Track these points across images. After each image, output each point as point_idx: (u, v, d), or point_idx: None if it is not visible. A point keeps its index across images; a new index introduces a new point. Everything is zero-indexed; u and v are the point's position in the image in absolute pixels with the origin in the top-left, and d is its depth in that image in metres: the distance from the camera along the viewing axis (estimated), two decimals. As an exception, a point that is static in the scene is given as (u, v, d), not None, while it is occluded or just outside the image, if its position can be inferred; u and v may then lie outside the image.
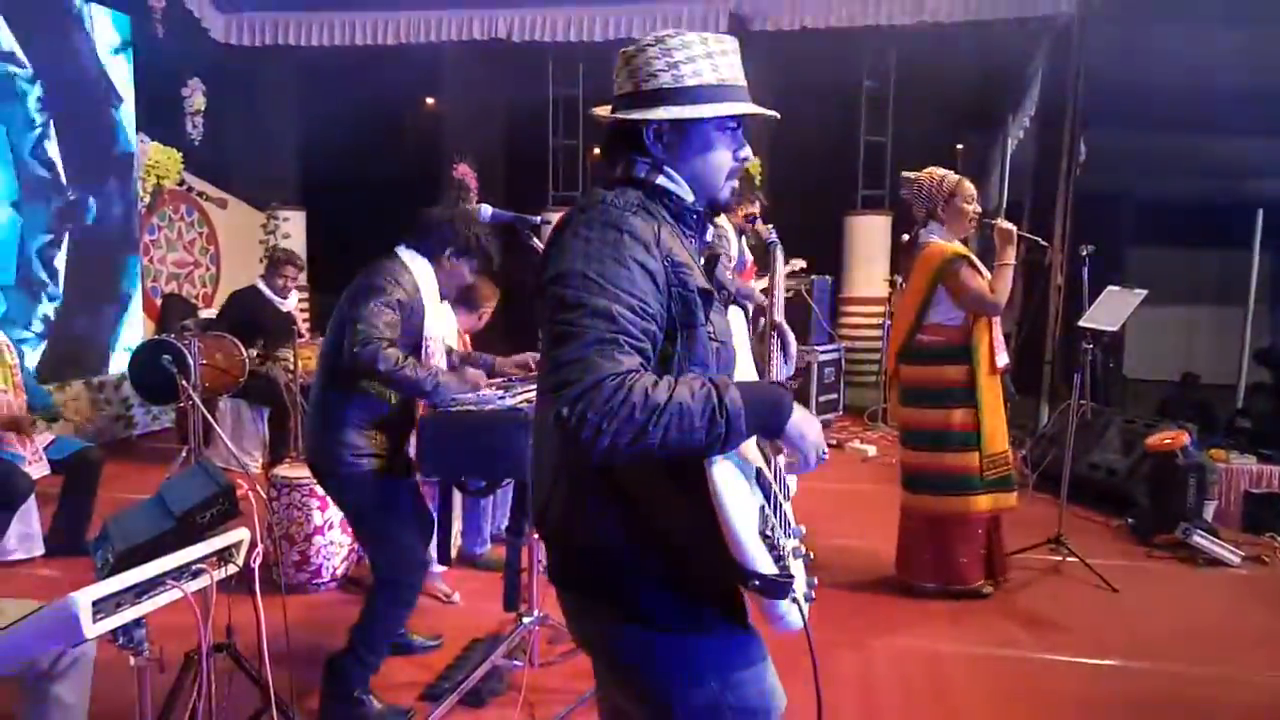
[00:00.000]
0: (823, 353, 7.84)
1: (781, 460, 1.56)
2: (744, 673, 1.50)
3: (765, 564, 1.36)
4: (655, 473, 1.41)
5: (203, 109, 7.96)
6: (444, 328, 2.99)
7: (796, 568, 1.42)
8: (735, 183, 1.59)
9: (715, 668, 1.47)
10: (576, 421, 1.27)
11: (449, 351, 3.23)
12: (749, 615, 1.50)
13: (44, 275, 6.34)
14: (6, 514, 3.92)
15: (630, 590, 1.46)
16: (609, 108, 1.56)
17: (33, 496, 4.07)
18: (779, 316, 1.58)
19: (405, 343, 2.75)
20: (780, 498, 1.47)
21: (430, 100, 9.25)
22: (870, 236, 8.75)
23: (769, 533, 1.39)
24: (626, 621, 1.47)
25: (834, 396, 8.09)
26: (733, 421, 1.31)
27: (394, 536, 2.82)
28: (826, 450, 1.50)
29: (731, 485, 1.37)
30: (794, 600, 1.37)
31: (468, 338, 4.24)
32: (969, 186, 3.88)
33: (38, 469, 4.12)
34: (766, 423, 1.40)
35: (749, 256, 6.15)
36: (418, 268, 2.85)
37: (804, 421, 1.44)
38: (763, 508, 1.41)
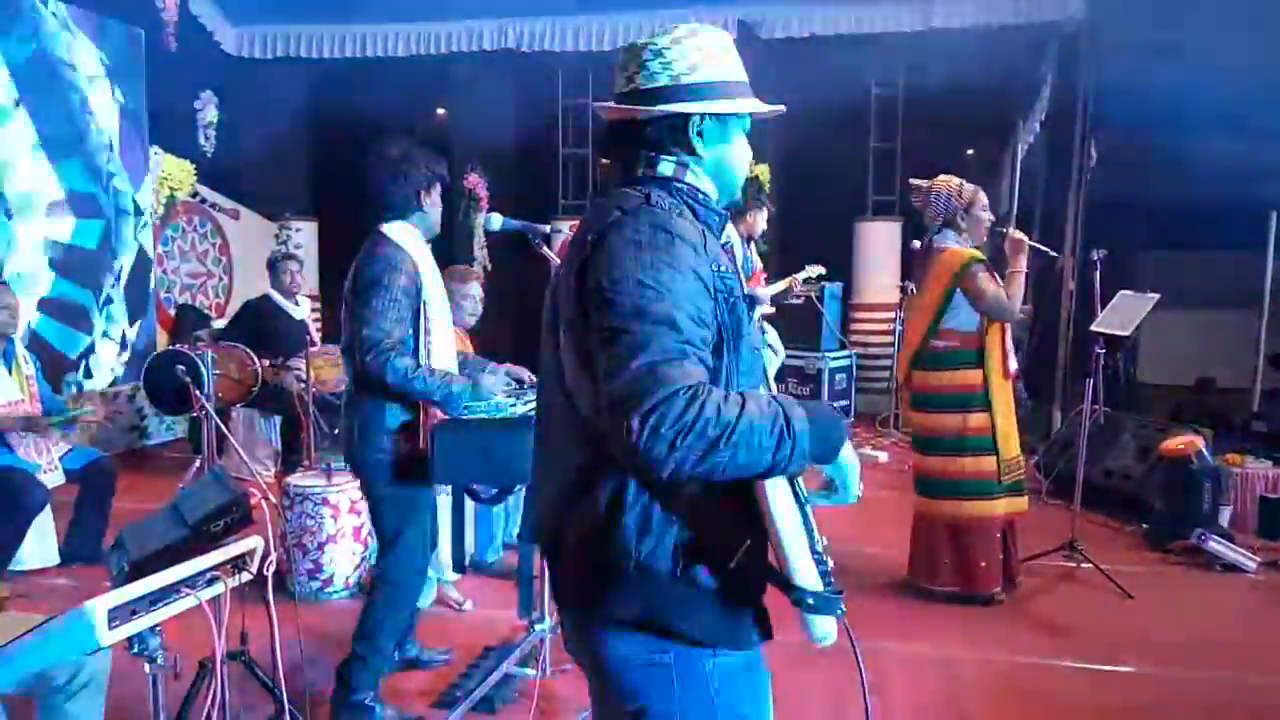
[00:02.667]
0: (834, 359, 7.83)
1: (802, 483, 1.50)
2: (751, 690, 1.47)
3: (816, 581, 1.35)
4: (702, 489, 1.35)
5: (215, 121, 8.02)
6: (450, 339, 2.97)
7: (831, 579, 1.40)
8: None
9: (727, 686, 1.43)
10: (649, 436, 1.19)
11: (459, 355, 3.23)
12: (771, 628, 1.48)
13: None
14: (22, 524, 3.95)
15: (667, 609, 1.38)
16: (612, 105, 1.50)
17: (48, 506, 4.10)
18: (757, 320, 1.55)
19: (408, 321, 2.73)
20: (810, 509, 1.44)
21: (440, 110, 9.29)
22: (880, 242, 8.74)
23: (818, 549, 1.38)
24: (645, 639, 1.40)
25: (845, 403, 8.08)
26: (799, 444, 1.27)
27: (405, 537, 2.83)
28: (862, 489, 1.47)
29: (782, 501, 1.35)
30: (838, 616, 1.37)
31: (470, 344, 4.22)
32: (984, 195, 3.93)
33: (53, 478, 4.15)
34: (826, 447, 1.35)
35: (758, 263, 6.16)
36: (404, 236, 2.79)
37: (851, 451, 1.42)
38: (806, 522, 1.39)
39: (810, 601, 1.33)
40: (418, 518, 2.87)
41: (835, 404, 7.85)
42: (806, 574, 1.35)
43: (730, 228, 5.71)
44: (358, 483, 2.91)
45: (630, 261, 1.31)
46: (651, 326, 1.26)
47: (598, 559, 1.39)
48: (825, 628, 1.37)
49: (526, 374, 3.46)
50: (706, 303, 1.33)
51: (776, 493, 1.35)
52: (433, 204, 2.90)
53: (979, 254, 3.86)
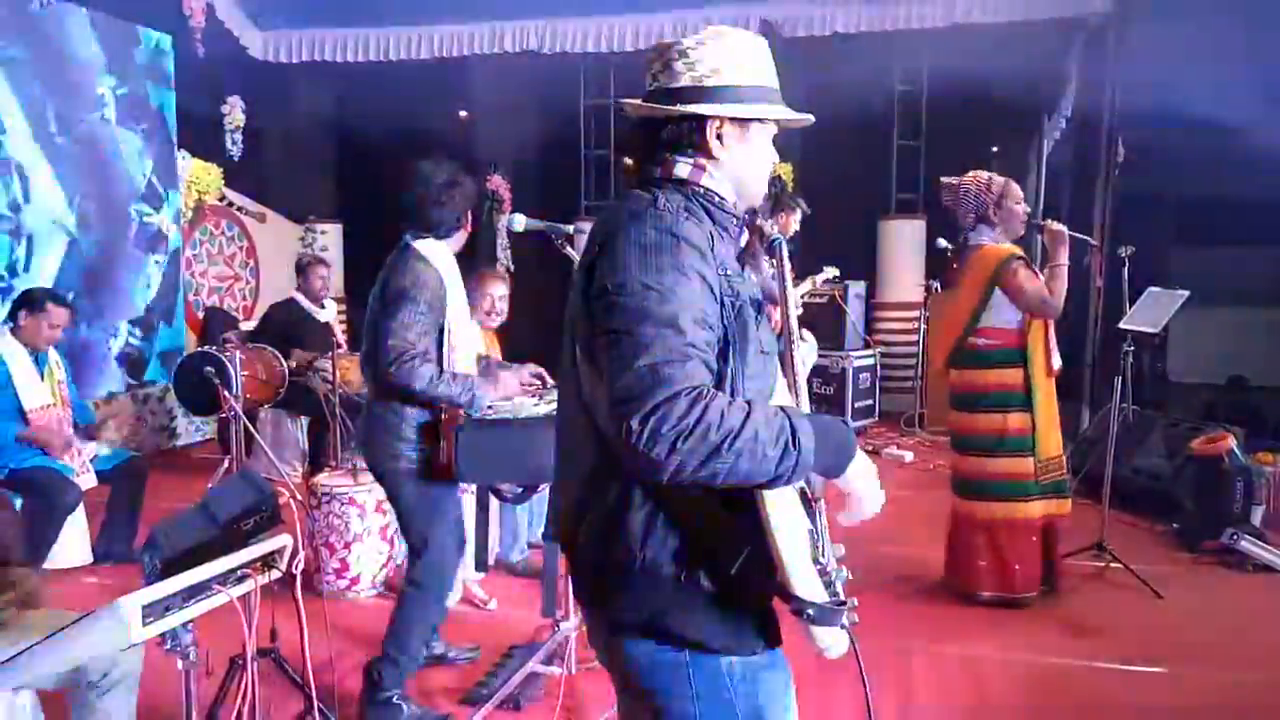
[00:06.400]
0: (858, 358, 7.80)
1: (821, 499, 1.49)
2: (771, 690, 1.46)
3: (818, 592, 1.34)
4: (705, 495, 1.34)
5: (242, 125, 8.11)
6: (472, 332, 3.00)
7: (838, 590, 1.40)
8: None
9: (744, 686, 1.42)
10: (648, 437, 1.19)
11: (481, 359, 3.25)
12: (780, 632, 1.47)
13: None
14: (56, 523, 4.02)
15: (670, 612, 1.39)
16: (639, 101, 1.49)
17: (81, 506, 4.17)
18: (794, 320, 1.53)
19: (432, 333, 2.76)
20: (821, 515, 1.44)
21: (463, 113, 9.35)
22: (904, 241, 8.69)
23: (821, 559, 1.37)
24: (659, 641, 1.41)
25: (870, 402, 8.04)
26: (803, 456, 1.26)
27: (436, 539, 2.86)
28: (884, 497, 1.45)
29: (783, 510, 1.33)
30: (843, 626, 1.36)
31: (497, 344, 4.25)
32: (1017, 188, 3.84)
33: (85, 480, 4.22)
34: (833, 461, 1.35)
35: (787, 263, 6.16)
36: (435, 255, 2.82)
37: (865, 464, 1.40)
38: (811, 531, 1.38)
39: (810, 613, 1.33)
40: (445, 520, 2.89)
41: (859, 403, 7.82)
42: (807, 584, 1.34)
43: (774, 227, 5.73)
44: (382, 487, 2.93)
45: (635, 264, 1.31)
46: (655, 328, 1.26)
47: (606, 560, 1.41)
48: (828, 638, 1.36)
49: (546, 374, 3.47)
50: (712, 306, 1.33)
51: (777, 501, 1.33)
52: (468, 223, 2.96)
53: (1016, 250, 3.78)
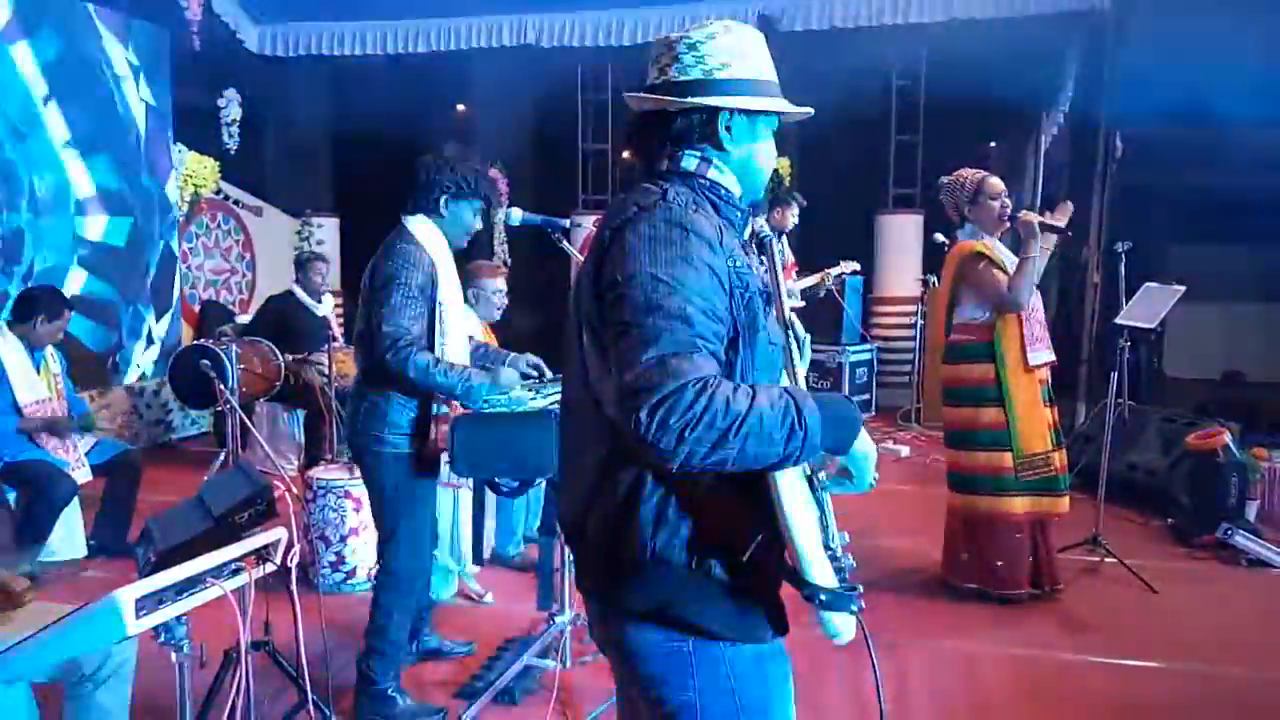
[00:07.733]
0: (855, 353, 7.79)
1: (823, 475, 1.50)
2: (773, 679, 1.48)
3: (829, 578, 1.36)
4: (717, 483, 1.36)
5: (238, 119, 8.09)
6: (463, 319, 2.99)
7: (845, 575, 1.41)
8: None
9: (747, 675, 1.44)
10: (657, 428, 1.21)
11: (476, 347, 3.23)
12: (788, 620, 1.48)
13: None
14: (51, 516, 4.01)
15: (681, 600, 1.40)
16: (643, 95, 1.50)
17: (76, 499, 4.16)
18: (788, 313, 1.54)
19: (425, 317, 2.75)
20: (828, 504, 1.45)
21: (460, 107, 9.33)
22: (902, 235, 8.69)
23: (830, 544, 1.39)
24: (663, 628, 1.41)
25: (866, 397, 8.04)
26: (810, 436, 1.28)
27: (411, 526, 2.86)
28: (877, 479, 1.48)
29: (794, 497, 1.35)
30: (853, 612, 1.37)
31: (493, 336, 4.25)
32: (994, 183, 3.80)
33: (80, 475, 4.21)
34: (839, 439, 1.37)
35: (790, 257, 6.20)
36: (425, 234, 2.81)
37: (866, 440, 1.42)
38: (820, 518, 1.40)
39: (823, 598, 1.34)
40: (419, 509, 2.89)
41: (856, 398, 7.82)
42: (819, 570, 1.35)
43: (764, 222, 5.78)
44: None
45: (645, 256, 1.33)
46: (664, 320, 1.28)
47: (615, 549, 1.41)
48: (839, 624, 1.37)
49: (544, 365, 3.47)
50: (721, 297, 1.35)
51: (788, 487, 1.35)
52: (454, 214, 2.87)
53: (979, 246, 3.78)
